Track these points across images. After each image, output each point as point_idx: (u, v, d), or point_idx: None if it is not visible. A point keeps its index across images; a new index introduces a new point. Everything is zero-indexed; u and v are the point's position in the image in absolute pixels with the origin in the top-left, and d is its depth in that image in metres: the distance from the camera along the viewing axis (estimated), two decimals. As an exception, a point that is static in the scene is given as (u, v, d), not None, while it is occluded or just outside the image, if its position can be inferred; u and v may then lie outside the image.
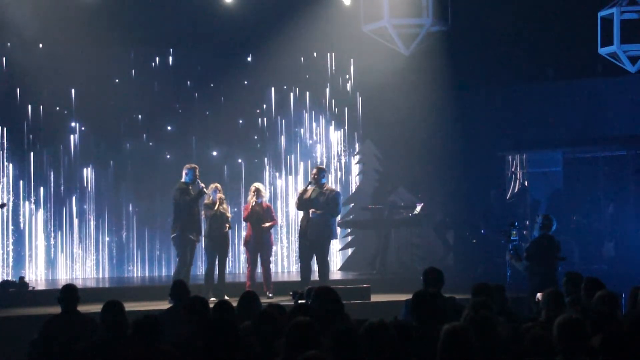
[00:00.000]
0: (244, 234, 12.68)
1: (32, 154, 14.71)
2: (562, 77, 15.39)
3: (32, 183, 14.69)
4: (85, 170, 15.10)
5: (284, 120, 16.22)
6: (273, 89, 16.13)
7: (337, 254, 16.10)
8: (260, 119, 16.09)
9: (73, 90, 14.86)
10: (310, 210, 11.70)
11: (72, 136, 15.01)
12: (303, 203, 11.85)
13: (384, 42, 13.22)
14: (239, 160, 15.88)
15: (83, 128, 15.09)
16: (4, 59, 14.54)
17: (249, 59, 15.78)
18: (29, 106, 14.65)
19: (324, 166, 13.93)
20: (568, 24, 14.30)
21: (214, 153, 15.74)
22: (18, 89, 14.55)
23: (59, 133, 14.95)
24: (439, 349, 4.75)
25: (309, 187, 11.90)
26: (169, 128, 15.57)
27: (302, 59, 16.06)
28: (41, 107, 14.70)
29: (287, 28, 14.83)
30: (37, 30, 13.82)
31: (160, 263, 15.37)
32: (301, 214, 12.20)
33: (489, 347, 5.12)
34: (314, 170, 12.11)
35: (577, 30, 14.02)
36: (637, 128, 14.85)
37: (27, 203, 14.66)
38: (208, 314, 6.59)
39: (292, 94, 16.21)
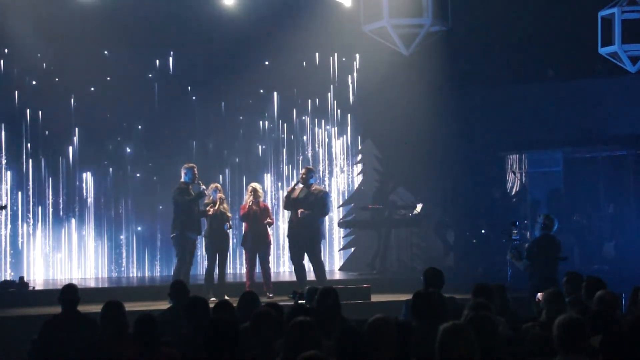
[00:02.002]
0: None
1: (30, 160, 14.69)
2: (562, 77, 15.38)
3: (31, 189, 14.66)
4: (84, 175, 15.08)
5: (285, 124, 16.17)
6: (276, 93, 16.08)
7: (337, 254, 16.10)
8: (261, 122, 16.07)
9: (73, 95, 14.84)
10: (299, 210, 11.72)
11: (72, 139, 14.97)
12: (291, 203, 11.87)
13: (384, 42, 13.22)
14: (237, 161, 15.85)
15: (85, 132, 15.05)
16: (2, 62, 14.52)
17: (250, 62, 15.70)
18: (28, 110, 14.62)
19: (312, 167, 13.94)
20: (568, 24, 14.30)
21: (214, 156, 15.71)
22: (16, 92, 14.52)
23: (58, 137, 14.90)
24: (437, 348, 4.74)
25: (297, 187, 11.92)
26: (166, 135, 15.53)
27: (304, 63, 16.03)
28: (40, 112, 14.68)
29: (287, 32, 14.80)
30: (36, 36, 13.79)
31: (161, 265, 15.37)
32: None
33: (489, 347, 5.11)
34: (303, 170, 12.15)
35: (577, 30, 14.02)
36: (637, 128, 14.85)
37: (25, 207, 14.64)
38: (208, 314, 6.59)
39: (293, 97, 16.15)
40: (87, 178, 15.11)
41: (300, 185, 11.90)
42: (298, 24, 14.67)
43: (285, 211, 15.45)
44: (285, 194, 12.18)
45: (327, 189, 14.55)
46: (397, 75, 14.64)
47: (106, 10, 13.83)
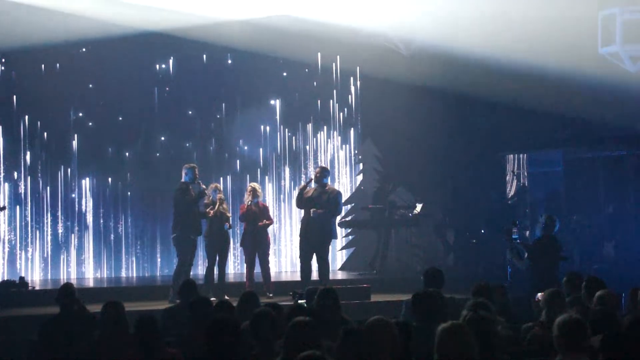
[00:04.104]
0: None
1: (29, 163, 14.67)
2: (562, 77, 15.35)
3: (30, 193, 14.63)
4: (83, 181, 15.05)
5: (286, 129, 16.15)
6: (278, 101, 16.04)
7: (337, 254, 16.09)
8: (263, 127, 16.03)
9: (72, 100, 14.80)
10: (312, 210, 11.68)
11: (71, 143, 14.94)
12: (304, 202, 11.82)
13: (385, 44, 13.23)
14: (238, 164, 15.84)
15: (91, 124, 14.99)
16: (1, 68, 14.50)
17: (252, 66, 15.61)
18: (26, 116, 14.59)
19: (326, 166, 13.90)
20: (568, 24, 14.28)
21: (215, 160, 15.68)
22: (15, 96, 14.48)
23: (58, 141, 14.86)
24: (436, 348, 4.75)
25: (309, 187, 11.89)
26: (166, 138, 15.47)
27: (306, 70, 16.01)
28: (38, 122, 14.66)
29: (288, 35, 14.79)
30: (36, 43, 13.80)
31: (161, 265, 15.35)
32: (302, 213, 12.17)
33: (488, 347, 5.11)
34: (317, 169, 12.12)
35: (577, 30, 14.00)
36: (638, 128, 14.84)
37: (22, 211, 14.61)
38: (210, 314, 6.60)
39: (295, 103, 16.10)
40: (87, 182, 15.07)
41: (314, 185, 11.87)
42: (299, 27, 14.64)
43: (283, 210, 15.46)
44: (297, 191, 12.12)
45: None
46: (398, 75, 14.63)
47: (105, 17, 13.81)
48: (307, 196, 11.78)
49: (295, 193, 12.88)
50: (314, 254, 11.78)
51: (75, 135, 14.92)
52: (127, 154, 15.30)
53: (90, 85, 14.66)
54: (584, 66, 14.12)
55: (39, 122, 14.64)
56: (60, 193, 14.88)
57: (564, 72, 14.88)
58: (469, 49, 14.33)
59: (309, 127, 16.23)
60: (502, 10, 13.32)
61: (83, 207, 15.05)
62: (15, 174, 14.60)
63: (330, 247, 12.14)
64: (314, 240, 11.69)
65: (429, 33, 13.14)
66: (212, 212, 11.85)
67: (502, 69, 15.21)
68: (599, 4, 12.78)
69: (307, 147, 16.25)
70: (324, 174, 11.91)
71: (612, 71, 13.64)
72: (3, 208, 13.16)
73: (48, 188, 14.77)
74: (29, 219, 14.65)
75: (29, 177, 14.66)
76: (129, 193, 15.24)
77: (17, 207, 14.57)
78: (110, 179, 15.14)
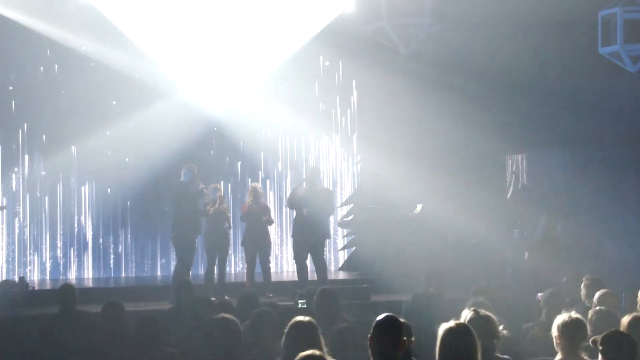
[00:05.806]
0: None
1: (27, 168, 14.67)
2: (563, 76, 15.36)
3: (29, 198, 14.65)
4: (83, 188, 15.03)
5: (287, 135, 16.13)
6: (278, 105, 16.01)
7: (337, 254, 16.08)
8: (263, 131, 16.02)
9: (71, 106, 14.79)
10: (305, 210, 11.70)
11: (70, 148, 14.96)
12: (296, 202, 11.85)
13: (384, 42, 13.22)
14: (239, 166, 15.83)
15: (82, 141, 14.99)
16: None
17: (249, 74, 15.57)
18: (25, 124, 14.59)
19: (318, 167, 13.92)
20: (568, 24, 14.29)
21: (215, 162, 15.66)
22: (13, 102, 14.47)
23: (56, 149, 14.89)
24: (438, 348, 4.75)
25: (302, 186, 11.91)
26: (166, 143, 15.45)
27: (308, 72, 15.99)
28: (39, 132, 14.66)
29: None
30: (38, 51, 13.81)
31: (161, 265, 15.35)
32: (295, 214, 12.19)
33: (489, 347, 5.11)
34: (309, 171, 12.15)
35: (577, 30, 14.01)
36: (638, 128, 14.84)
37: (22, 215, 14.64)
38: (211, 314, 6.61)
39: (296, 105, 16.07)
40: (86, 189, 15.06)
41: (306, 185, 11.88)
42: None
43: (285, 212, 15.46)
44: (290, 192, 12.14)
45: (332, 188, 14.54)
46: (397, 74, 14.63)
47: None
48: (299, 196, 11.81)
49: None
50: (309, 254, 11.81)
51: (75, 142, 14.91)
52: (127, 159, 15.22)
53: (86, 82, 14.61)
54: (584, 66, 14.15)
55: (37, 131, 14.63)
56: (60, 200, 14.86)
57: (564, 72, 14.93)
58: (463, 47, 14.35)
59: (311, 133, 16.21)
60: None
61: (83, 214, 15.02)
62: (14, 177, 14.58)
63: (325, 247, 12.17)
64: (308, 240, 11.72)
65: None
66: (212, 209, 11.83)
67: (502, 68, 15.26)
68: (598, 4, 12.77)
69: (309, 154, 16.26)
70: (315, 174, 11.94)
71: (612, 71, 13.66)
72: (3, 208, 13.17)
73: (47, 197, 14.76)
74: (27, 221, 14.63)
75: (27, 192, 14.64)
76: (128, 203, 15.20)
77: (16, 212, 14.56)
78: (109, 189, 15.10)
